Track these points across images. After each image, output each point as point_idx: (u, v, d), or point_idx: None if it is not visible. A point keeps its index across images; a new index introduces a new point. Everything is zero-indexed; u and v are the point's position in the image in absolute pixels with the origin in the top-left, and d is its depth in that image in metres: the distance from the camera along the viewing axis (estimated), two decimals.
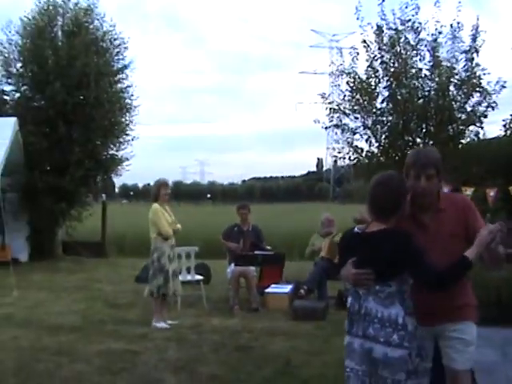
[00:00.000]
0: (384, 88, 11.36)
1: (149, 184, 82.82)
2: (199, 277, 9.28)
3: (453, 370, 3.23)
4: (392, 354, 2.94)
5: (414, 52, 11.14)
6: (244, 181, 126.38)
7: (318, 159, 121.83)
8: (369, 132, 11.69)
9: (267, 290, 8.99)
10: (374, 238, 3.08)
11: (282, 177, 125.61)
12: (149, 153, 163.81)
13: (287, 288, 9.05)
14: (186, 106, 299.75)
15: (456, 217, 3.24)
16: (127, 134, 16.00)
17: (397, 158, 11.48)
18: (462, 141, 11.41)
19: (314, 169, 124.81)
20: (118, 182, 47.52)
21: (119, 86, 16.07)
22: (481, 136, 11.49)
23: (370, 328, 3.05)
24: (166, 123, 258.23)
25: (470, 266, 2.95)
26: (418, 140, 11.41)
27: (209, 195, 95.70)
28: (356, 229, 3.24)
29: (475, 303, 3.33)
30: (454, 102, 10.98)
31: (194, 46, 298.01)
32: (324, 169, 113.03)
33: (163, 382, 5.42)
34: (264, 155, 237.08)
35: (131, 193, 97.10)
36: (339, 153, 12.12)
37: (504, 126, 11.86)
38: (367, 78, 11.46)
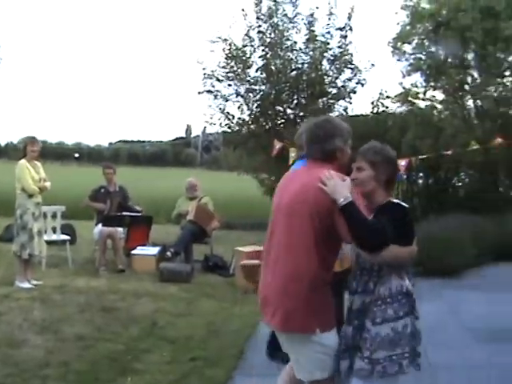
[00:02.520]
0: (259, 57, 11.58)
1: (12, 142, 78.56)
2: (65, 237, 9.01)
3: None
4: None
5: (291, 24, 11.44)
6: (111, 143, 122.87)
7: (188, 125, 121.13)
8: (241, 100, 11.89)
9: (134, 252, 8.92)
10: None
11: (150, 141, 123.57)
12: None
13: (154, 250, 9.06)
14: None
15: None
16: None
17: (267, 126, 11.82)
18: (332, 114, 11.93)
19: (183, 134, 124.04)
20: None
21: None
22: (349, 111, 12.12)
23: None
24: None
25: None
26: (289, 111, 11.81)
27: (77, 155, 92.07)
28: None
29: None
30: (326, 77, 11.45)
31: None
32: (192, 135, 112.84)
33: (28, 342, 5.25)
34: (132, 118, 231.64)
35: None
36: (211, 118, 12.23)
37: (372, 103, 12.54)
38: (243, 47, 11.61)
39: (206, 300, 7.25)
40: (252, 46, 11.53)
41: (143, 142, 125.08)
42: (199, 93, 12.21)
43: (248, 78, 11.66)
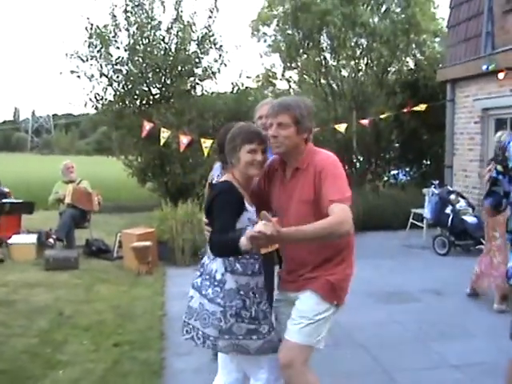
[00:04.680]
0: (124, 37, 11.36)
1: None
2: None
3: (285, 340, 2.96)
4: (206, 307, 2.86)
5: (158, 4, 11.33)
6: None
7: (16, 108, 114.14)
8: (106, 80, 11.60)
9: (11, 241, 8.49)
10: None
11: None
12: None
13: (32, 238, 8.70)
14: None
15: (310, 180, 2.87)
16: None
17: (134, 107, 11.67)
18: (197, 93, 12.08)
19: (10, 118, 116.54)
20: None
21: None
22: (214, 90, 12.36)
23: (199, 278, 2.98)
24: None
25: (238, 251, 2.62)
26: (156, 91, 11.74)
27: None
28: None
29: (333, 278, 2.93)
30: (192, 57, 11.51)
31: None
32: (21, 119, 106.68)
33: None
34: None
35: None
36: (74, 100, 11.82)
37: (232, 83, 12.86)
38: (107, 26, 11.31)
39: (102, 285, 7.18)
40: (117, 25, 11.25)
41: None
42: (60, 73, 11.76)
43: (112, 59, 11.37)
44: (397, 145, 14.53)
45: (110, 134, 12.25)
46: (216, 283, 2.87)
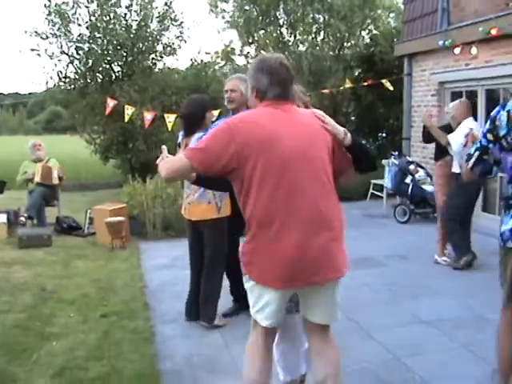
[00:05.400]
0: (85, 14, 11.29)
1: None
2: None
3: None
4: None
5: None
6: None
7: None
8: (67, 57, 11.54)
9: None
10: None
11: None
12: None
13: (3, 217, 8.71)
14: None
15: None
16: None
17: (95, 85, 11.65)
18: (159, 70, 12.14)
19: None
20: None
21: None
22: (174, 67, 12.45)
23: None
24: None
25: None
26: (118, 68, 11.75)
27: None
28: None
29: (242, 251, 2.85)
30: (153, 34, 11.55)
31: None
32: None
33: None
34: None
35: None
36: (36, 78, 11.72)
37: (191, 59, 12.98)
38: (67, 3, 11.22)
39: (78, 261, 7.32)
40: (76, 2, 11.16)
41: None
42: (20, 51, 11.65)
43: (73, 36, 11.31)
44: (353, 118, 14.91)
45: (73, 113, 12.17)
46: None
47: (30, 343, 4.63)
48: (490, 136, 3.02)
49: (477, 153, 3.10)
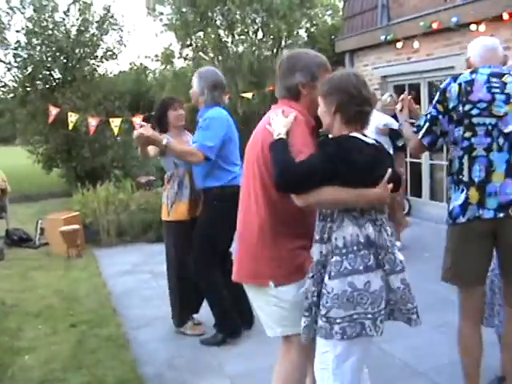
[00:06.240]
0: (21, 20, 10.99)
1: None
2: None
3: None
4: None
5: None
6: None
7: None
8: (3, 65, 11.21)
9: None
10: None
11: None
12: None
13: None
14: None
15: None
16: None
17: (34, 91, 11.35)
18: (100, 75, 11.93)
19: None
20: None
21: None
22: (114, 71, 12.27)
23: None
24: None
25: None
26: (58, 75, 11.49)
27: None
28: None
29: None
30: (93, 39, 11.35)
31: None
32: None
33: None
34: None
35: None
36: None
37: (130, 63, 12.83)
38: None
39: (35, 272, 7.13)
40: (11, 8, 10.84)
41: None
42: None
43: (8, 42, 10.97)
44: None
45: (13, 122, 11.79)
46: None
47: (1, 359, 4.49)
48: (439, 107, 3.01)
49: (427, 124, 3.05)
